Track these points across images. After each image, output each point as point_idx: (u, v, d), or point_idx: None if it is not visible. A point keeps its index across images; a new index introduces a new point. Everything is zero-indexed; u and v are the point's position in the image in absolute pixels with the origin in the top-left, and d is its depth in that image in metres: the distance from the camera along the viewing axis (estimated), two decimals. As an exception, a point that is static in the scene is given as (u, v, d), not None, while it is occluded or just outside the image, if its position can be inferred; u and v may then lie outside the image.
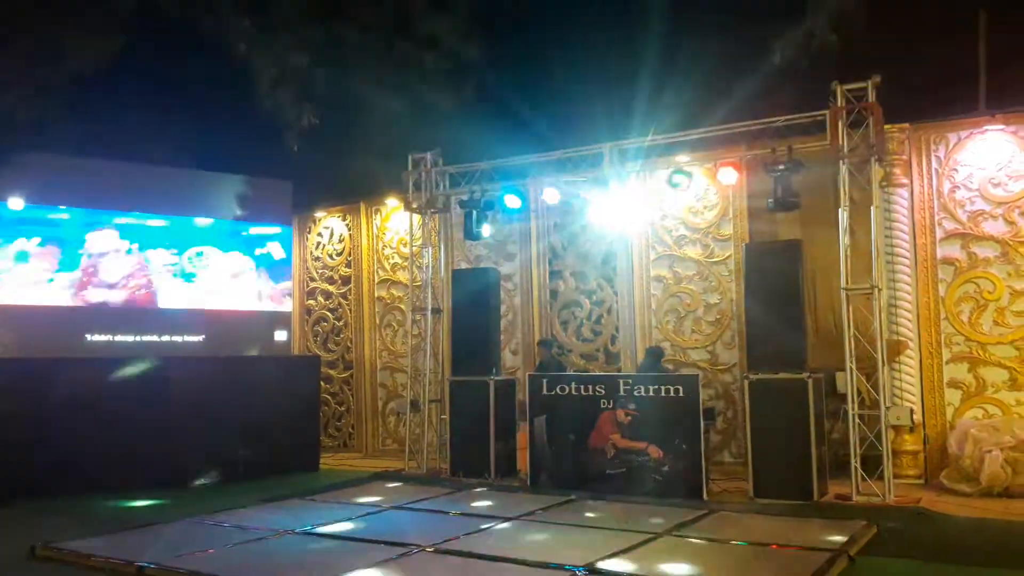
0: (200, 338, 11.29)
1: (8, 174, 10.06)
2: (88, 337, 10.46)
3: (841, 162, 8.13)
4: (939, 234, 8.92)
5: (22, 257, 10.29)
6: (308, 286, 13.31)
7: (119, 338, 10.64)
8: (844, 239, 8.06)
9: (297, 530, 7.01)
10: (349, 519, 7.44)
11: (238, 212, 11.88)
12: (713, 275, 10.12)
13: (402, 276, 12.11)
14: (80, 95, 10.73)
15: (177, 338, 11.11)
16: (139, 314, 10.95)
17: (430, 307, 10.64)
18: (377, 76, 11.69)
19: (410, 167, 10.75)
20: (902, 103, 9.02)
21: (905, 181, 9.01)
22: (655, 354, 9.43)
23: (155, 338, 10.93)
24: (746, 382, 8.23)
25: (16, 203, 10.33)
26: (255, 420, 10.13)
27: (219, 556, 6.17)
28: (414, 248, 11.09)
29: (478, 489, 8.90)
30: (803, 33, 10.41)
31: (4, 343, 9.92)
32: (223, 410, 9.91)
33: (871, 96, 8.04)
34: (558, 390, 8.92)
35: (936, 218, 8.94)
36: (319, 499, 8.62)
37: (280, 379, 10.78)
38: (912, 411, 8.53)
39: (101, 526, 7.26)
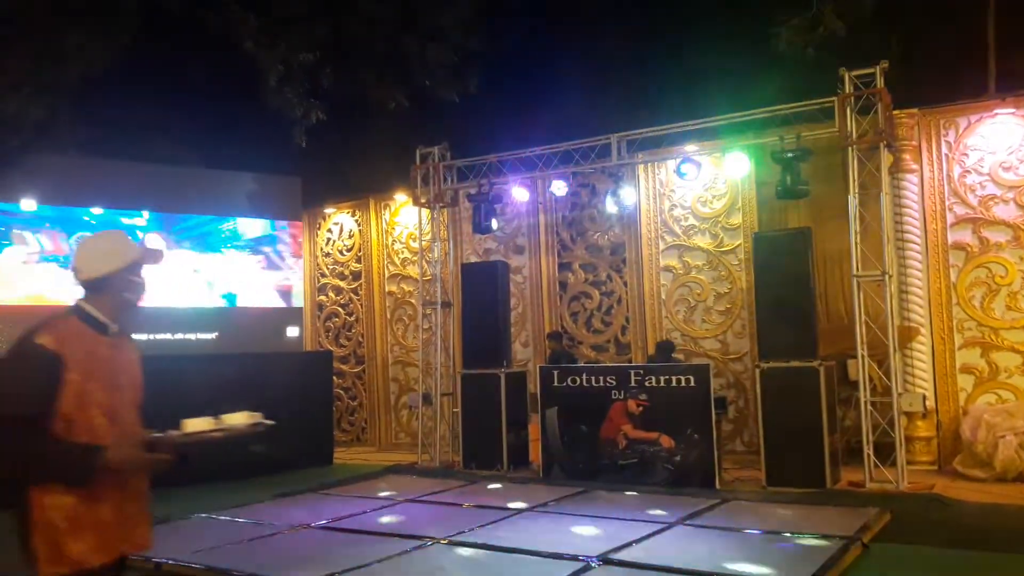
0: (213, 335, 11.37)
1: (20, 175, 10.14)
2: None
3: (850, 149, 8.09)
4: (950, 219, 8.88)
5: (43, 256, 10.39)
6: (319, 282, 13.36)
7: (133, 336, 10.71)
8: (854, 226, 8.03)
9: (312, 524, 7.06)
10: (363, 513, 7.50)
11: (248, 209, 11.94)
12: (723, 264, 10.11)
13: (412, 271, 12.15)
14: (89, 95, 10.79)
15: (191, 336, 11.19)
16: (152, 312, 11.03)
17: (440, 301, 10.67)
18: (384, 71, 11.72)
19: (418, 162, 10.76)
20: (911, 88, 8.98)
21: (915, 167, 8.96)
22: (666, 348, 9.43)
23: (168, 336, 11.02)
24: (757, 371, 8.23)
25: (29, 204, 10.41)
26: (269, 416, 10.15)
27: (235, 551, 6.23)
28: (423, 243, 11.12)
29: (491, 481, 8.94)
30: (810, 20, 10.37)
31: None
32: (237, 406, 9.94)
33: (879, 82, 7.99)
34: (569, 381, 8.94)
35: (947, 203, 8.90)
36: (333, 493, 8.68)
37: (293, 375, 10.83)
38: (924, 397, 8.51)
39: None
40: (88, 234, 2.93)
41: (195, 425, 2.78)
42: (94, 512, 2.68)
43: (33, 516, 2.63)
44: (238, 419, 2.85)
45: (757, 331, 8.80)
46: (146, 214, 11.23)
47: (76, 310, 2.81)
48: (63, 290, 10.43)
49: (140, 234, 11.15)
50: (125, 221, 11.01)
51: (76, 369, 2.65)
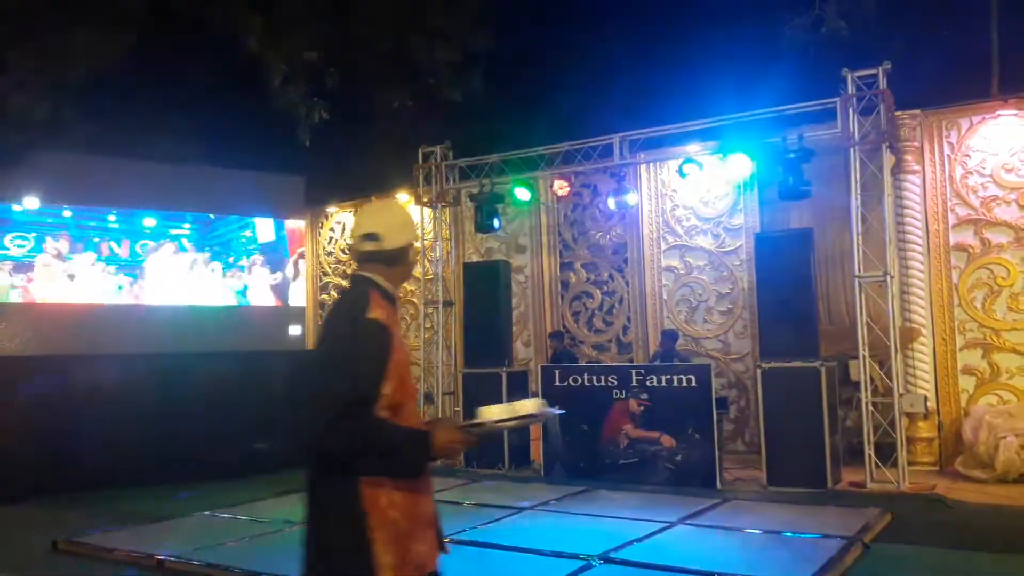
0: (217, 333, 11.37)
1: (23, 174, 10.16)
2: (105, 334, 10.56)
3: (852, 149, 8.09)
4: (952, 220, 8.88)
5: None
6: (321, 280, 13.39)
7: (137, 334, 10.72)
8: (856, 227, 8.04)
9: (314, 522, 7.07)
10: (365, 511, 7.50)
11: (251, 208, 11.96)
12: (724, 265, 10.12)
13: (414, 270, 12.15)
14: (93, 94, 10.82)
15: (193, 333, 11.19)
16: (157, 310, 11.05)
17: (442, 300, 10.69)
18: (387, 71, 11.74)
19: (420, 161, 10.78)
20: (913, 89, 8.97)
21: (917, 168, 8.96)
22: (671, 336, 9.47)
23: (172, 333, 11.02)
24: (759, 371, 8.22)
25: (31, 202, 10.44)
26: (271, 414, 10.20)
27: (238, 548, 6.26)
28: (425, 242, 11.13)
29: (492, 480, 8.95)
30: (813, 20, 10.38)
31: (28, 340, 10.05)
32: (240, 405, 9.99)
33: (882, 83, 7.99)
34: (570, 381, 8.95)
35: (949, 204, 8.90)
36: (335, 492, 8.68)
37: (295, 373, 10.84)
38: (926, 398, 8.51)
39: (121, 520, 7.37)
40: (373, 203, 2.68)
41: (492, 413, 2.52)
42: (422, 508, 2.42)
43: (372, 518, 2.29)
44: (531, 406, 2.59)
45: (759, 331, 8.80)
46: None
47: (370, 282, 2.50)
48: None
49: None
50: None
51: (398, 348, 2.38)
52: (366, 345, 2.32)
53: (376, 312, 2.37)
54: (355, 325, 2.35)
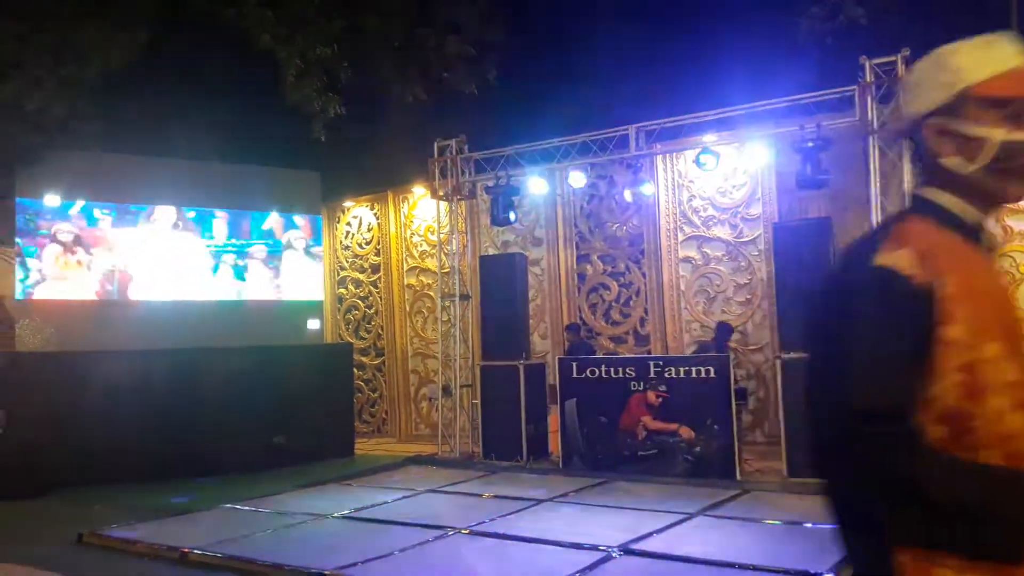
0: (235, 328, 11.44)
1: (41, 171, 10.27)
2: (125, 329, 10.66)
3: (870, 137, 8.02)
4: (972, 208, 8.77)
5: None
6: (339, 275, 13.44)
7: (156, 330, 10.82)
8: (875, 216, 7.97)
9: (335, 514, 7.14)
10: (385, 503, 7.56)
11: (268, 203, 12.02)
12: (742, 255, 10.07)
13: (431, 263, 12.19)
14: (108, 91, 10.89)
15: (213, 328, 11.27)
16: (174, 305, 11.14)
17: (459, 293, 10.70)
18: (401, 64, 11.74)
19: (436, 154, 10.79)
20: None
21: (937, 155, 8.85)
22: (726, 330, 9.28)
23: (191, 329, 11.11)
24: (778, 361, 8.20)
25: (52, 200, 10.55)
26: (291, 408, 10.29)
27: (259, 541, 6.32)
28: (442, 235, 11.15)
29: (510, 472, 8.98)
30: (830, 8, 10.28)
31: (45, 337, 10.17)
32: (259, 399, 10.08)
33: (900, 70, 7.91)
34: (588, 373, 8.95)
35: (969, 192, 8.79)
36: (355, 484, 8.76)
37: (314, 367, 10.93)
38: (946, 388, 8.43)
39: (144, 514, 7.45)
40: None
41: None
42: None
43: None
44: None
45: (778, 321, 8.75)
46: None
47: (921, 204, 1.54)
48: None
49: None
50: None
51: (959, 316, 1.39)
52: (872, 314, 1.39)
53: (893, 254, 1.41)
54: (858, 280, 1.43)
